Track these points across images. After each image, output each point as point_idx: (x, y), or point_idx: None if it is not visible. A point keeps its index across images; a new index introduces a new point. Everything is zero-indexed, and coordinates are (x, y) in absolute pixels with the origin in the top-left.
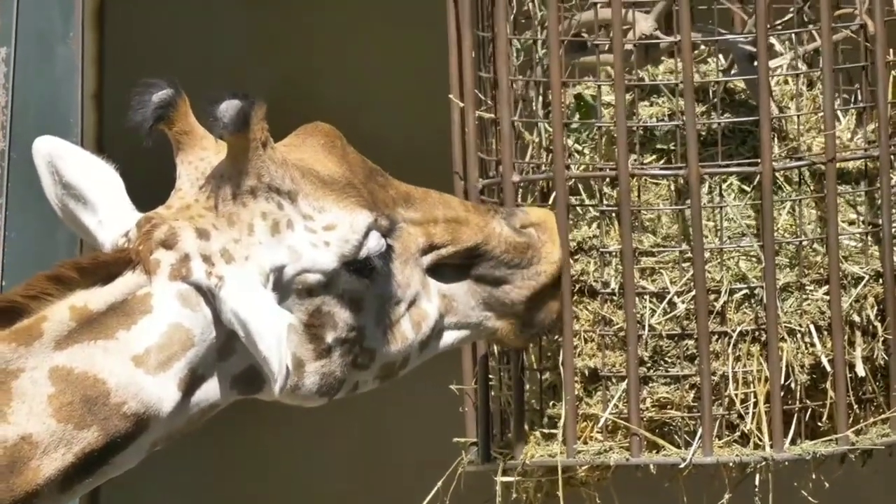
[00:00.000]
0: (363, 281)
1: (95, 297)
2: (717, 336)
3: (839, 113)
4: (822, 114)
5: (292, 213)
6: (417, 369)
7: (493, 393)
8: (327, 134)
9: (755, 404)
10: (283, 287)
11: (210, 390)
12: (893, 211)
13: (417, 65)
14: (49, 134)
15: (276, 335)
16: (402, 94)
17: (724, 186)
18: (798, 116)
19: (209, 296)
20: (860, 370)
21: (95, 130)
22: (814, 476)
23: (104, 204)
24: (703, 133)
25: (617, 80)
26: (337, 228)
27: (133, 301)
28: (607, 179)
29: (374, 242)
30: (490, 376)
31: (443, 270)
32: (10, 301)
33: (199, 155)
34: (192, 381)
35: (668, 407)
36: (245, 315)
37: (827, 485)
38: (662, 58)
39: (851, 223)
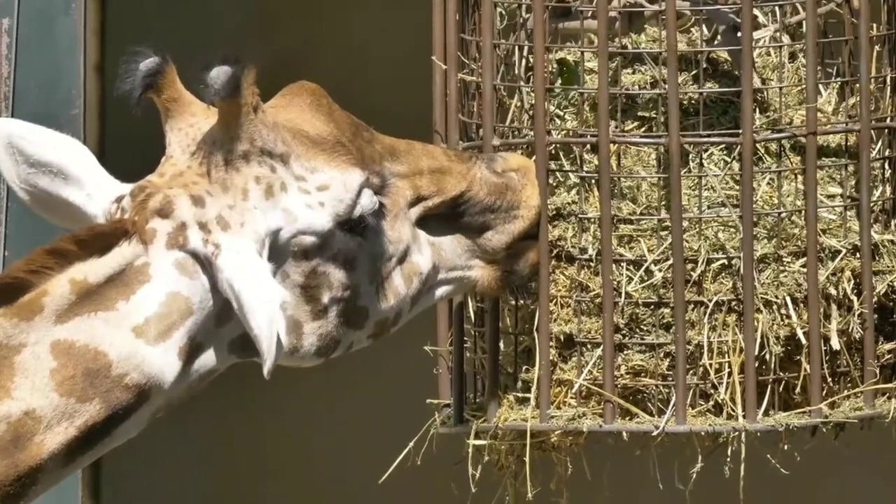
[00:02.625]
0: (356, 239)
1: (94, 270)
2: (693, 305)
3: (820, 87)
4: (804, 86)
5: (285, 175)
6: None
7: (467, 355)
8: (313, 93)
9: (729, 374)
10: (280, 250)
11: (209, 357)
12: (873, 185)
13: (415, 36)
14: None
15: (267, 314)
16: (399, 68)
17: (705, 156)
18: (780, 89)
19: (206, 263)
20: (835, 343)
21: (98, 101)
22: (785, 447)
23: (89, 177)
24: (685, 102)
25: (600, 46)
26: (330, 188)
27: (131, 271)
28: (587, 146)
29: (367, 200)
30: (465, 339)
31: (429, 222)
32: (13, 277)
33: (189, 121)
34: (191, 350)
35: (643, 375)
36: (239, 288)
37: (798, 457)
38: (646, 26)
39: (831, 197)
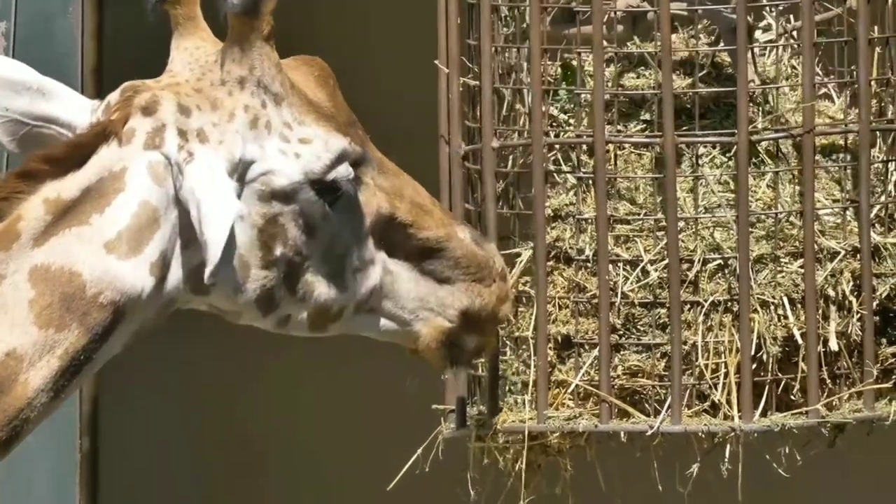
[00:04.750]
0: (323, 207)
1: (68, 185)
2: (689, 305)
3: (833, 93)
4: (800, 84)
5: (273, 115)
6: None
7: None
8: (323, 69)
9: (726, 375)
10: (246, 184)
11: (173, 280)
12: (876, 187)
13: (420, 31)
14: None
15: (221, 222)
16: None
17: (706, 158)
18: (787, 90)
19: (175, 171)
20: (833, 344)
21: None
22: (787, 450)
23: (69, 92)
24: (689, 105)
25: (595, 47)
26: (312, 143)
27: (108, 179)
28: (585, 147)
29: (344, 170)
30: None
31: (395, 252)
32: None
33: (196, 43)
34: (162, 268)
35: (639, 375)
36: (200, 194)
37: (800, 461)
38: (653, 32)
39: (836, 200)
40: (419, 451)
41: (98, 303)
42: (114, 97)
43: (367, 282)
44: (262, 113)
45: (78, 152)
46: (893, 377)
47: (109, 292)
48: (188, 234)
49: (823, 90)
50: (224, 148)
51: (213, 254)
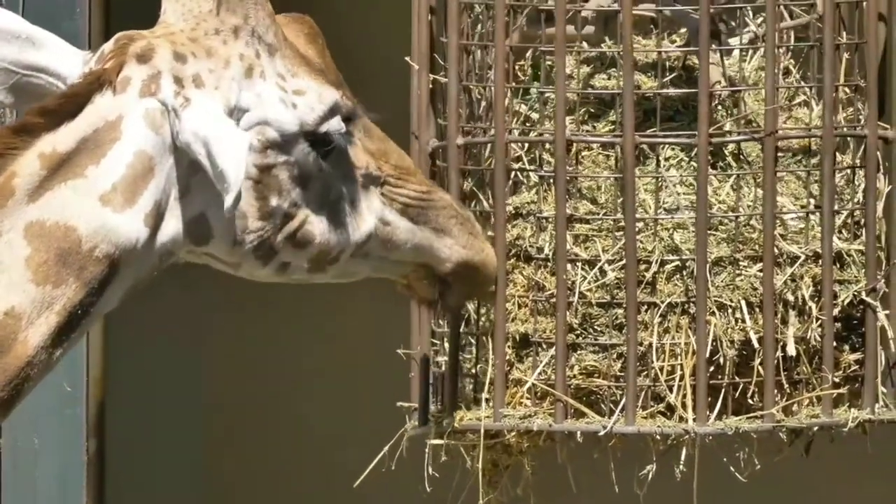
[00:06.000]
0: (317, 160)
1: (63, 137)
2: (646, 306)
3: (812, 99)
4: (762, 88)
5: (267, 65)
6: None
7: (438, 358)
8: (312, 27)
9: (681, 377)
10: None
11: (169, 231)
12: (846, 193)
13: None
14: None
15: (238, 148)
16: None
17: (674, 160)
18: (756, 93)
19: (172, 117)
20: (791, 349)
21: None
22: (747, 455)
23: (60, 42)
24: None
25: (557, 48)
26: (306, 94)
27: (104, 129)
28: (548, 146)
29: (336, 123)
30: (434, 341)
31: (388, 206)
32: None
33: None
34: (156, 218)
35: (596, 375)
36: (206, 131)
37: (758, 465)
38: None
39: (803, 207)
40: (385, 448)
41: (94, 256)
42: (108, 46)
43: (363, 226)
44: (256, 62)
45: (72, 102)
46: (857, 383)
47: (105, 245)
48: (185, 182)
49: (803, 97)
50: (220, 93)
51: (234, 181)
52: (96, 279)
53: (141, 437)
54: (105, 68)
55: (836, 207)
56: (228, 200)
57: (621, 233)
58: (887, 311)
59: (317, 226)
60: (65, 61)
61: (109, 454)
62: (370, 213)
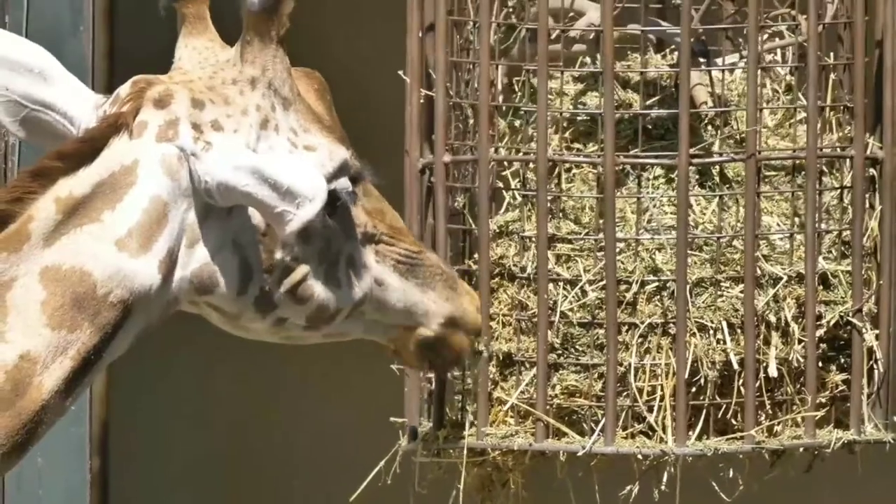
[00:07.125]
0: (322, 217)
1: (79, 182)
2: (627, 327)
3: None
4: (744, 110)
5: (282, 119)
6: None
7: (430, 374)
8: (321, 83)
9: (661, 398)
10: None
11: (178, 277)
12: (835, 213)
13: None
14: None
15: (290, 163)
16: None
17: (660, 179)
18: (721, 113)
19: (192, 162)
20: (773, 371)
21: None
22: (732, 476)
23: (70, 79)
24: (650, 126)
25: (539, 66)
26: (317, 151)
27: (119, 173)
28: (532, 165)
29: (344, 183)
30: None
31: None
32: None
33: (205, 43)
34: (169, 265)
35: (577, 395)
36: (249, 161)
37: (742, 485)
38: (629, 53)
39: (790, 227)
40: (381, 464)
41: (109, 301)
42: (124, 89)
43: (362, 285)
44: (271, 115)
45: (89, 146)
46: (845, 404)
47: (120, 290)
48: (194, 230)
49: (803, 113)
50: (240, 136)
51: (309, 188)
52: (110, 324)
53: (144, 456)
54: (122, 112)
55: (824, 227)
56: (311, 210)
57: (602, 252)
58: (877, 331)
59: (318, 281)
60: (74, 101)
61: (113, 472)
62: (366, 271)
